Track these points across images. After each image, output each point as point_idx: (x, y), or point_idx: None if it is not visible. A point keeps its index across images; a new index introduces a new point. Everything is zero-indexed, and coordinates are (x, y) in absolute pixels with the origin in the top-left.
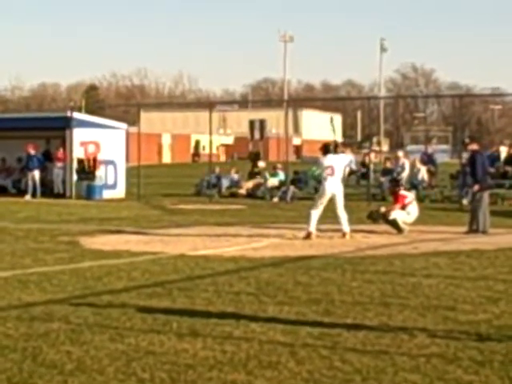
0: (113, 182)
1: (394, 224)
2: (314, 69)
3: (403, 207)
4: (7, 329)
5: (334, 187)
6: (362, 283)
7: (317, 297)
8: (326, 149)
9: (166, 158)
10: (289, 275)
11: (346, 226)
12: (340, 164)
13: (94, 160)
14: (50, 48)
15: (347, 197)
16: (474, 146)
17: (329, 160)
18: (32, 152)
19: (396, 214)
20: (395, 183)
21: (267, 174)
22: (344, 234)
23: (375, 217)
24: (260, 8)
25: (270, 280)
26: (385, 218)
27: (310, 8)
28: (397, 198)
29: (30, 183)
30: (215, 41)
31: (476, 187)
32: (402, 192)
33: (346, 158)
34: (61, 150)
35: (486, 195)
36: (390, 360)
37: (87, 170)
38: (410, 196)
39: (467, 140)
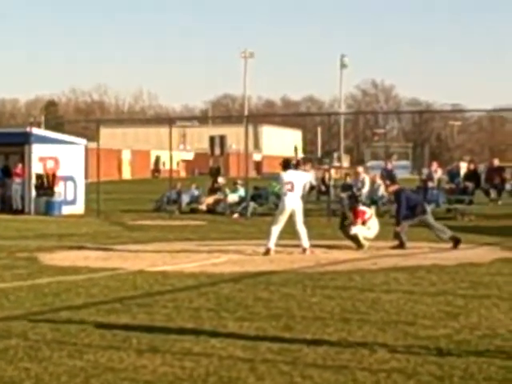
0: (72, 198)
1: (354, 239)
2: (274, 85)
3: (363, 223)
4: None
5: (293, 203)
6: (322, 299)
7: (277, 312)
8: (287, 164)
9: (126, 174)
10: (249, 291)
11: (305, 241)
12: (300, 180)
13: (53, 176)
14: (9, 63)
15: (307, 212)
16: (395, 187)
17: (289, 176)
18: None
19: (357, 230)
20: (353, 199)
21: (227, 190)
22: (304, 250)
23: (347, 224)
24: (221, 24)
25: (230, 295)
26: (346, 233)
27: (271, 24)
28: (356, 213)
29: None
30: (175, 57)
31: (398, 228)
32: (361, 208)
33: (307, 175)
34: (19, 166)
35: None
36: (351, 375)
37: (46, 185)
38: (368, 211)
39: (388, 182)
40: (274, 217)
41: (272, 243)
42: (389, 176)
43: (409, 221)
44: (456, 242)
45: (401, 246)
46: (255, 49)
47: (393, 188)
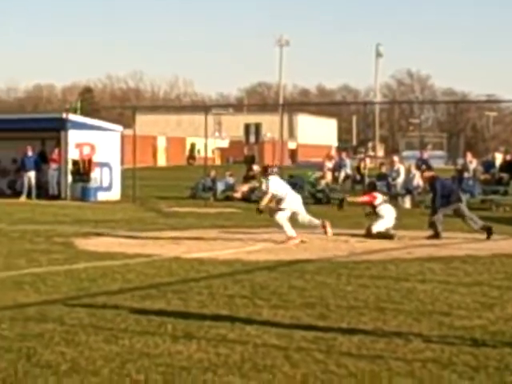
0: (108, 184)
1: (381, 236)
2: (309, 73)
3: (374, 207)
4: (2, 330)
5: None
6: (357, 287)
7: (311, 301)
8: (267, 170)
9: (161, 161)
10: (283, 279)
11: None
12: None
13: (89, 162)
14: (46, 49)
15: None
16: (431, 173)
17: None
18: (30, 153)
19: (376, 228)
20: (373, 186)
21: (263, 179)
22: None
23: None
24: (256, 12)
25: (265, 283)
26: (370, 235)
27: (307, 12)
28: (367, 194)
29: (26, 184)
30: (211, 44)
31: (434, 218)
32: (375, 193)
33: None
34: (56, 152)
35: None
36: (385, 365)
37: (82, 171)
38: (380, 197)
39: (423, 167)
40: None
41: (291, 231)
42: (424, 163)
43: (444, 209)
44: (488, 232)
45: (436, 236)
46: (291, 36)
47: (428, 174)
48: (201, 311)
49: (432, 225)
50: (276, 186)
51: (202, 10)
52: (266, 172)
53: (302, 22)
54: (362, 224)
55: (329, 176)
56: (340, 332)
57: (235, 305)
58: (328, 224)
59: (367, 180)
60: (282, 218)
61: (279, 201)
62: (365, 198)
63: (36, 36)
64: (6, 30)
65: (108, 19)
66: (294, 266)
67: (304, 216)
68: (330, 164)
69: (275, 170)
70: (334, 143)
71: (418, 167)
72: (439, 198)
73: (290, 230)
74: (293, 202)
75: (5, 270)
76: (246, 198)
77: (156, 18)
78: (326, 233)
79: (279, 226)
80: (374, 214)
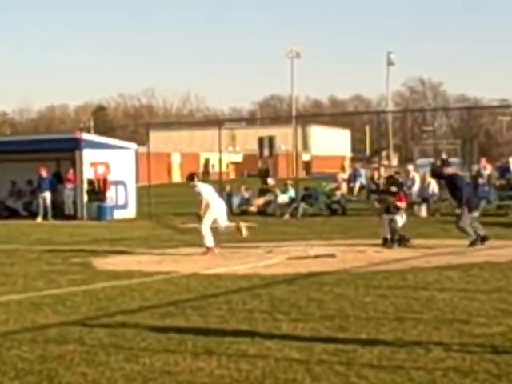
0: (123, 202)
1: (399, 238)
2: (321, 84)
3: (397, 208)
4: (22, 352)
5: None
6: (376, 298)
7: (330, 313)
8: (192, 177)
9: (176, 177)
10: (302, 292)
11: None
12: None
13: (105, 181)
14: (58, 69)
15: (359, 211)
16: (450, 170)
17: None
18: (44, 174)
19: (398, 225)
20: (401, 185)
21: (278, 191)
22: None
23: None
24: (265, 24)
25: (284, 297)
26: (394, 233)
27: (315, 23)
28: (401, 197)
29: (42, 205)
30: (222, 59)
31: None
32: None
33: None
34: (71, 172)
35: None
36: (407, 375)
37: (97, 190)
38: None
39: (439, 163)
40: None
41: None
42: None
43: (468, 215)
44: (473, 242)
45: (478, 240)
46: (301, 48)
47: (449, 170)
48: (221, 327)
49: (463, 230)
50: (204, 191)
51: (212, 25)
52: (192, 179)
53: (311, 33)
54: (378, 234)
55: (344, 187)
56: (360, 343)
57: (255, 319)
58: (243, 225)
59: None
60: (206, 228)
61: (206, 207)
62: (403, 203)
63: (48, 56)
64: (18, 51)
65: (118, 37)
66: (312, 278)
67: (223, 222)
68: (344, 175)
69: (200, 176)
70: (348, 154)
71: (433, 172)
72: (465, 193)
73: (210, 241)
74: (218, 208)
75: (23, 291)
76: (262, 212)
77: (166, 34)
78: (241, 234)
79: (200, 235)
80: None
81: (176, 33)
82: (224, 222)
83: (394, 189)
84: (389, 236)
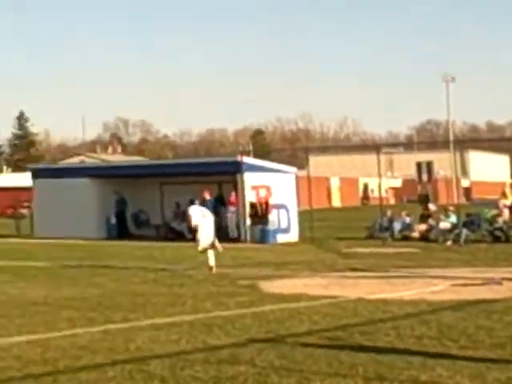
0: (286, 226)
1: None
2: (478, 109)
3: None
4: (196, 372)
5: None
6: None
7: (501, 341)
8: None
9: (336, 202)
10: (470, 319)
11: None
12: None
13: (266, 204)
14: (216, 95)
15: None
16: None
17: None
18: (208, 197)
19: None
20: None
21: (442, 217)
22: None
23: None
24: (420, 48)
25: (452, 323)
26: None
27: (470, 47)
28: None
29: None
30: (377, 83)
31: None
32: None
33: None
34: (233, 195)
35: None
36: None
37: (260, 213)
38: None
39: None
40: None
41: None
42: None
43: None
44: None
45: None
46: (456, 72)
47: None
48: (390, 352)
49: None
50: (193, 213)
51: (368, 52)
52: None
53: (466, 58)
54: None
55: (506, 213)
56: None
57: (424, 345)
58: (217, 244)
59: None
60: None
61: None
62: None
63: (208, 84)
64: (177, 79)
65: (274, 63)
66: (480, 305)
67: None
68: (507, 201)
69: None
70: (508, 180)
71: None
72: None
73: (212, 260)
74: (206, 228)
75: (193, 312)
76: (424, 237)
77: (322, 60)
78: (216, 248)
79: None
80: None
81: (330, 58)
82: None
83: None
84: None
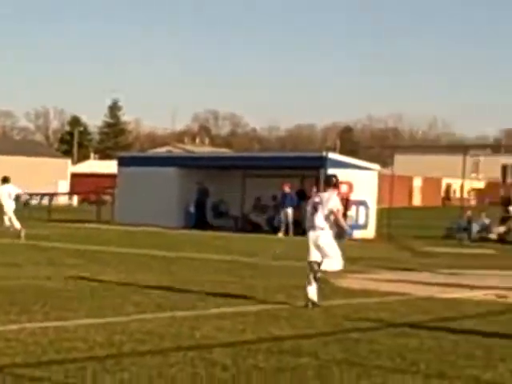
0: (363, 222)
1: None
2: None
3: None
4: (257, 361)
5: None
6: None
7: None
8: None
9: (417, 201)
10: None
11: None
12: None
13: (347, 200)
14: (305, 89)
15: None
16: None
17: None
18: (287, 190)
19: None
20: None
21: None
22: None
23: None
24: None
25: None
26: None
27: None
28: None
29: (283, 221)
30: (468, 85)
31: None
32: None
33: None
34: (314, 189)
35: None
36: None
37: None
38: None
39: None
40: None
41: None
42: None
43: None
44: None
45: None
46: None
47: None
48: (454, 351)
49: None
50: None
51: (456, 49)
52: None
53: None
54: None
55: None
56: None
57: (488, 345)
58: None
59: None
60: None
61: None
62: None
63: (298, 82)
64: (266, 73)
65: (367, 59)
66: None
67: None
68: None
69: None
70: None
71: None
72: None
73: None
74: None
75: (261, 303)
76: (502, 239)
77: (411, 59)
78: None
79: None
80: None
81: (416, 59)
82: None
83: None
84: None
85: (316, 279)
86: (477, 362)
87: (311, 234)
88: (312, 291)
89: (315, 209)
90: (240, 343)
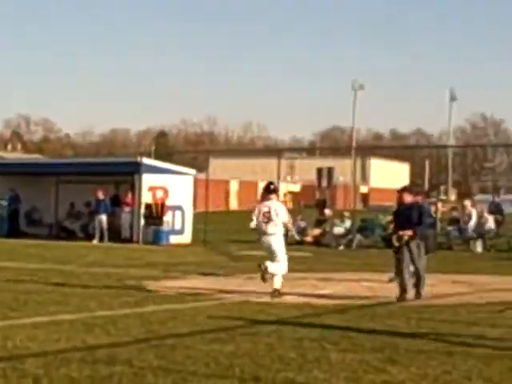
0: (180, 228)
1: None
2: (383, 118)
3: None
4: (71, 371)
5: None
6: (427, 331)
7: (381, 345)
8: None
9: (233, 205)
10: (353, 322)
11: None
12: None
13: (162, 205)
14: (120, 94)
15: None
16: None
17: None
18: (101, 196)
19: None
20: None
21: (337, 221)
22: None
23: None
24: (330, 57)
25: (334, 327)
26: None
27: (380, 56)
28: None
29: (98, 227)
30: (284, 88)
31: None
32: None
33: None
34: (129, 195)
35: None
36: None
37: (155, 215)
38: None
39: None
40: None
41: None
42: (496, 208)
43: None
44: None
45: None
46: (365, 81)
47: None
48: (269, 354)
49: None
50: None
51: (276, 54)
52: None
53: (375, 66)
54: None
55: None
56: (409, 376)
57: (303, 348)
58: None
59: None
60: None
61: None
62: None
63: (111, 82)
64: (82, 77)
65: (182, 64)
66: (364, 309)
67: None
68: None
69: None
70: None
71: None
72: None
73: None
74: None
75: (76, 311)
76: (317, 242)
77: (228, 62)
78: None
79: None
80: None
81: (239, 61)
82: None
83: None
84: None
85: (264, 279)
86: (291, 365)
87: (264, 240)
88: (277, 282)
89: (268, 218)
90: (53, 353)
